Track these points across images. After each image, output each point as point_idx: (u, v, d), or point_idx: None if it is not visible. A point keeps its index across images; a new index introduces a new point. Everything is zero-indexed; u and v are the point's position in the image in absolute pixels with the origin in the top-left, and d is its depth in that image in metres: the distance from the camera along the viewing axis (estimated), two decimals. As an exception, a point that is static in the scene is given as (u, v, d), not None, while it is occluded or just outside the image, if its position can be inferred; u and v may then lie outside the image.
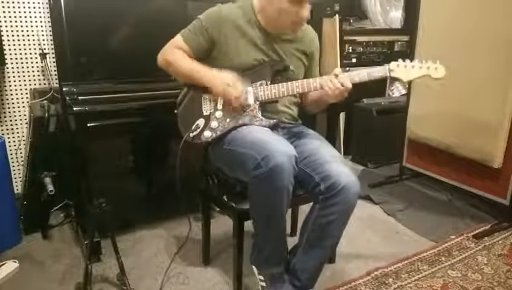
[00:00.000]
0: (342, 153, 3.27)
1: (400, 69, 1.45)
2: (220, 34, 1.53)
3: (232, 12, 1.56)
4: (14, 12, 2.20)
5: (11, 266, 1.79)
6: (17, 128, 2.35)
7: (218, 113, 1.53)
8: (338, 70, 1.45)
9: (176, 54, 1.56)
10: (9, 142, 2.32)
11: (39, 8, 2.25)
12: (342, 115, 3.29)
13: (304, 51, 1.66)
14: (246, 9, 1.57)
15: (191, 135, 1.53)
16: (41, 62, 2.31)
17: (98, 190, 1.82)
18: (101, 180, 1.91)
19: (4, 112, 2.30)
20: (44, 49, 2.28)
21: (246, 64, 1.54)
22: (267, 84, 1.52)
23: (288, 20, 1.49)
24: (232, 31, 1.54)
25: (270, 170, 1.29)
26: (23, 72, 2.30)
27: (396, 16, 3.51)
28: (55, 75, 2.25)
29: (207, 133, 1.53)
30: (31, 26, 2.25)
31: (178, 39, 1.58)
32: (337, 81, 1.43)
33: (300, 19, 1.49)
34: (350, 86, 1.44)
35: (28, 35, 2.26)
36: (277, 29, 1.55)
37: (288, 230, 2.06)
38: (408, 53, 3.11)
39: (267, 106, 1.57)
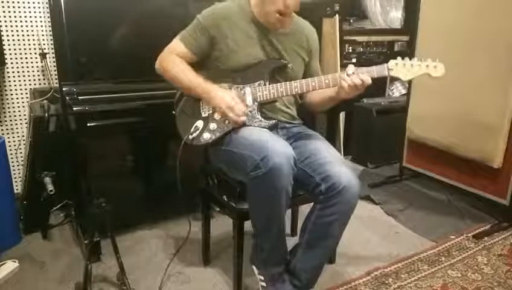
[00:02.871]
0: (342, 153, 3.26)
1: (399, 67, 1.43)
2: (220, 33, 1.52)
3: (230, 9, 1.55)
4: (14, 12, 2.20)
5: (11, 266, 1.79)
6: (17, 129, 2.35)
7: (217, 115, 1.52)
8: (352, 67, 1.41)
9: (175, 63, 1.53)
10: (9, 142, 2.32)
11: (39, 8, 2.25)
12: (342, 115, 3.28)
13: (304, 45, 1.65)
14: (243, 5, 1.56)
15: (190, 137, 1.52)
16: (41, 62, 2.31)
17: (98, 190, 1.82)
18: (101, 180, 1.91)
19: (4, 112, 2.30)
20: (44, 49, 2.28)
21: (245, 63, 1.53)
22: (265, 84, 1.51)
23: (273, 8, 1.45)
24: (231, 29, 1.53)
25: (269, 171, 1.29)
26: (23, 72, 2.30)
27: (396, 16, 3.51)
28: (55, 75, 2.25)
29: (206, 135, 1.52)
30: (31, 26, 2.25)
31: (176, 43, 1.56)
32: (354, 77, 1.39)
33: (285, 7, 1.44)
34: (370, 81, 1.39)
35: (28, 35, 2.26)
36: (265, 19, 1.52)
37: (288, 230, 2.06)
38: (408, 53, 3.09)
39: (265, 105, 1.56)
